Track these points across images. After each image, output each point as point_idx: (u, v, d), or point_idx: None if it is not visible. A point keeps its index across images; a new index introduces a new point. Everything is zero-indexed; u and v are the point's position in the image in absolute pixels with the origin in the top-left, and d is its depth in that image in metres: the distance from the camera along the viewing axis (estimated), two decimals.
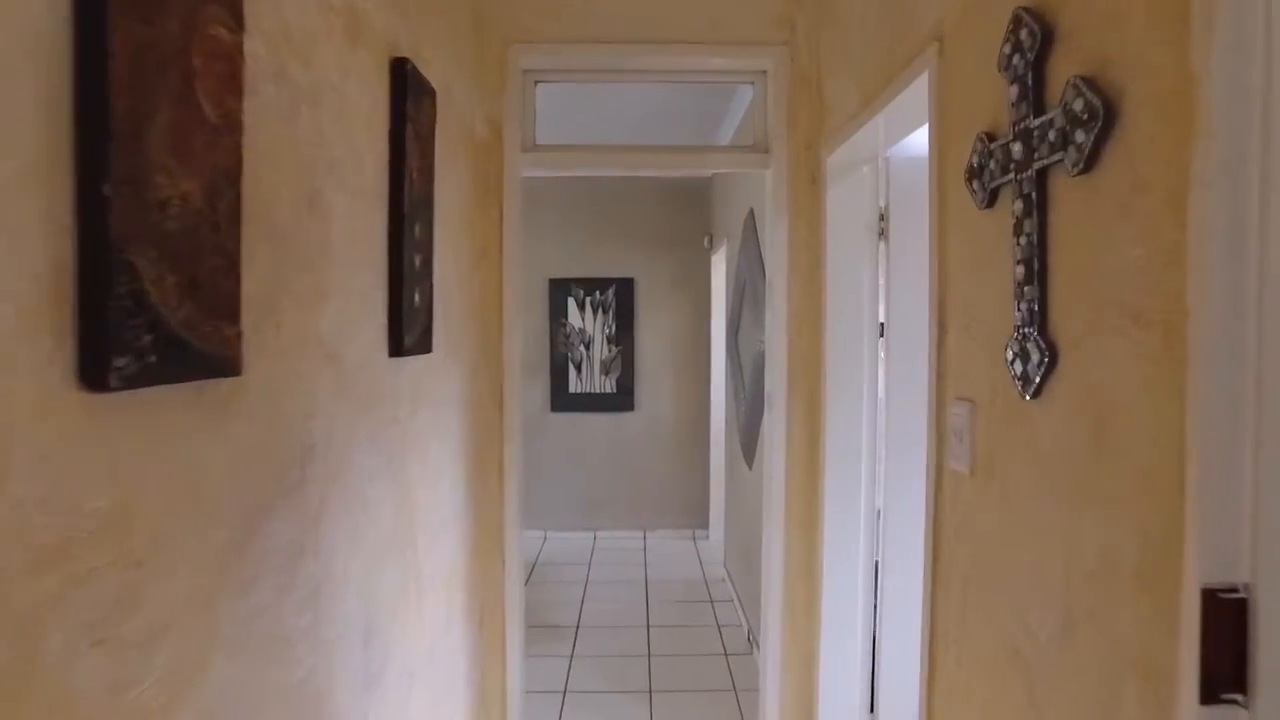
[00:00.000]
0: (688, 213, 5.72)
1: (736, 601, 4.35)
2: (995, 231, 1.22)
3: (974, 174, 1.29)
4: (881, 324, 2.43)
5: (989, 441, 1.26)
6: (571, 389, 5.81)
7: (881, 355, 2.45)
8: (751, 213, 3.83)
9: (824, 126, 2.47)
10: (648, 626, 4.13)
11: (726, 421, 5.03)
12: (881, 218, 2.38)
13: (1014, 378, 1.13)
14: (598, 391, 5.82)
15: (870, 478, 2.42)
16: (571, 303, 5.79)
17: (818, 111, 2.50)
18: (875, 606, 2.33)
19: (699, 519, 5.80)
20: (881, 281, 2.43)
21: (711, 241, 5.58)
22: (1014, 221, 1.13)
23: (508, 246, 2.56)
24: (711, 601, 4.52)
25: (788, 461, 2.57)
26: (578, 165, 3.30)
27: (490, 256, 2.49)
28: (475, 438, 2.35)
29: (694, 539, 5.77)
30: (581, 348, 5.81)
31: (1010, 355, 1.14)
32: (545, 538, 5.69)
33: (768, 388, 2.64)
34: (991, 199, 1.24)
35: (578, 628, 4.09)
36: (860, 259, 2.40)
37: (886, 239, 2.36)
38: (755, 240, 3.69)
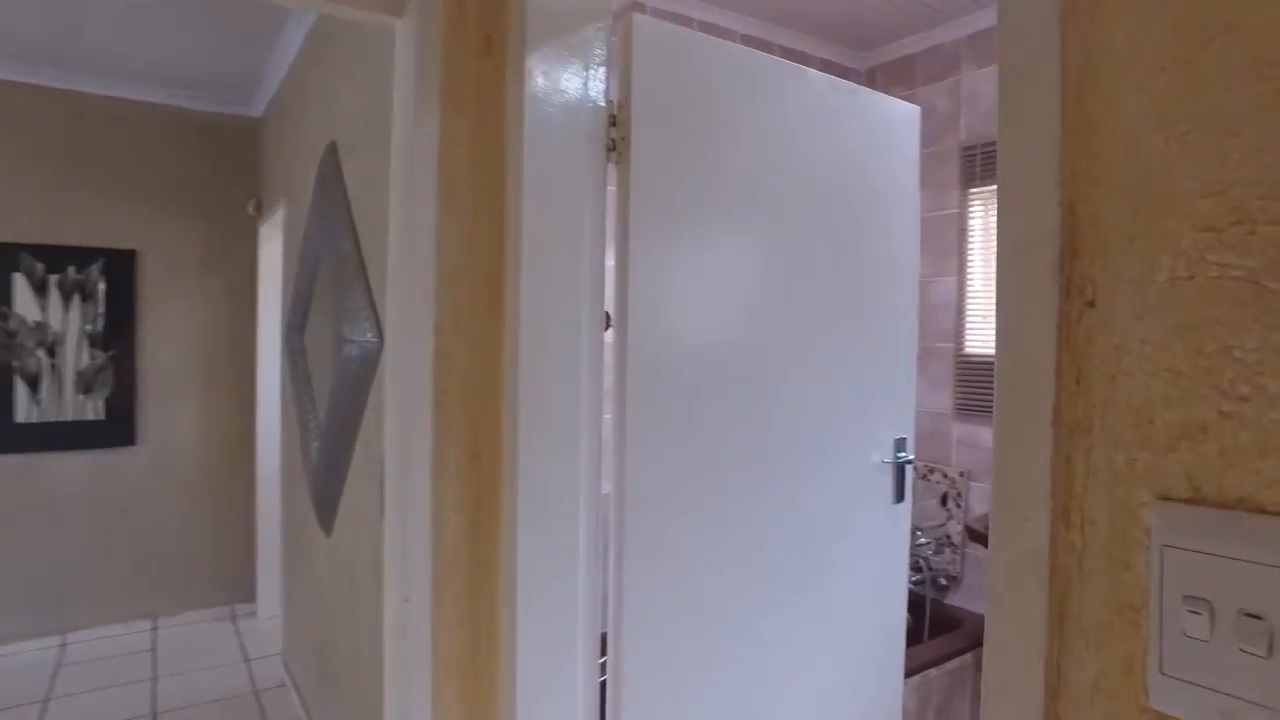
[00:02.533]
0: (223, 165, 4.06)
1: None
2: None
3: None
4: (608, 313, 1.45)
5: None
6: (20, 417, 3.71)
7: (610, 361, 1.47)
8: (334, 149, 2.55)
9: None
10: None
11: (285, 459, 3.55)
12: (614, 121, 1.40)
13: None
14: (71, 419, 3.81)
15: (592, 550, 1.42)
16: (21, 282, 3.70)
17: None
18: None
19: (241, 590, 4.17)
20: (613, 233, 1.45)
21: (260, 206, 4.03)
22: None
23: None
24: None
25: (437, 530, 1.43)
26: None
27: None
28: None
29: (234, 619, 4.12)
30: (41, 353, 3.75)
31: None
32: None
33: (391, 424, 1.45)
34: None
35: None
36: (576, 194, 1.39)
37: (624, 159, 1.39)
38: (340, 189, 2.43)
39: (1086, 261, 0.55)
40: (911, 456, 1.93)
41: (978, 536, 2.52)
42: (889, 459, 1.90)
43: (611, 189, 1.43)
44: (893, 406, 1.92)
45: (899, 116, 1.87)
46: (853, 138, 1.77)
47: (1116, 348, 0.53)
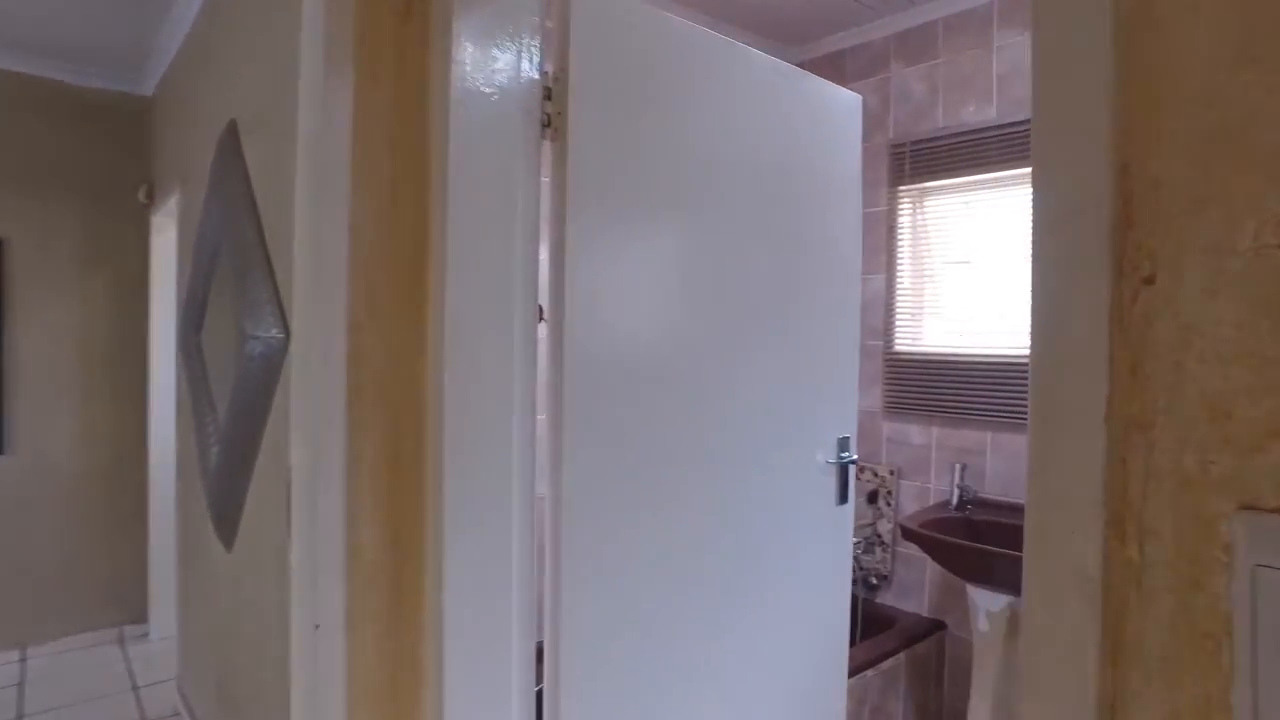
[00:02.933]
0: (109, 148, 3.72)
1: None
2: None
3: None
4: (541, 306, 1.34)
5: None
6: None
7: (544, 358, 1.35)
8: (234, 128, 2.33)
9: None
10: None
11: (181, 467, 3.27)
12: (549, 95, 1.28)
13: None
14: None
15: (526, 559, 1.30)
16: None
17: None
18: None
19: (130, 610, 3.83)
20: (547, 218, 1.33)
21: (152, 193, 3.71)
22: None
23: None
24: None
25: (352, 544, 1.27)
26: None
27: None
28: None
29: (123, 642, 3.78)
30: None
31: None
32: None
33: (299, 428, 1.28)
34: None
35: None
36: (508, 174, 1.26)
37: (560, 137, 1.27)
38: (241, 170, 2.22)
39: (1143, 231, 0.47)
40: (855, 456, 1.88)
41: (911, 535, 2.51)
42: (833, 459, 1.84)
43: (545, 180, 1.31)
44: (837, 405, 1.86)
45: (842, 104, 1.81)
46: (797, 125, 1.70)
47: (1183, 330, 0.45)
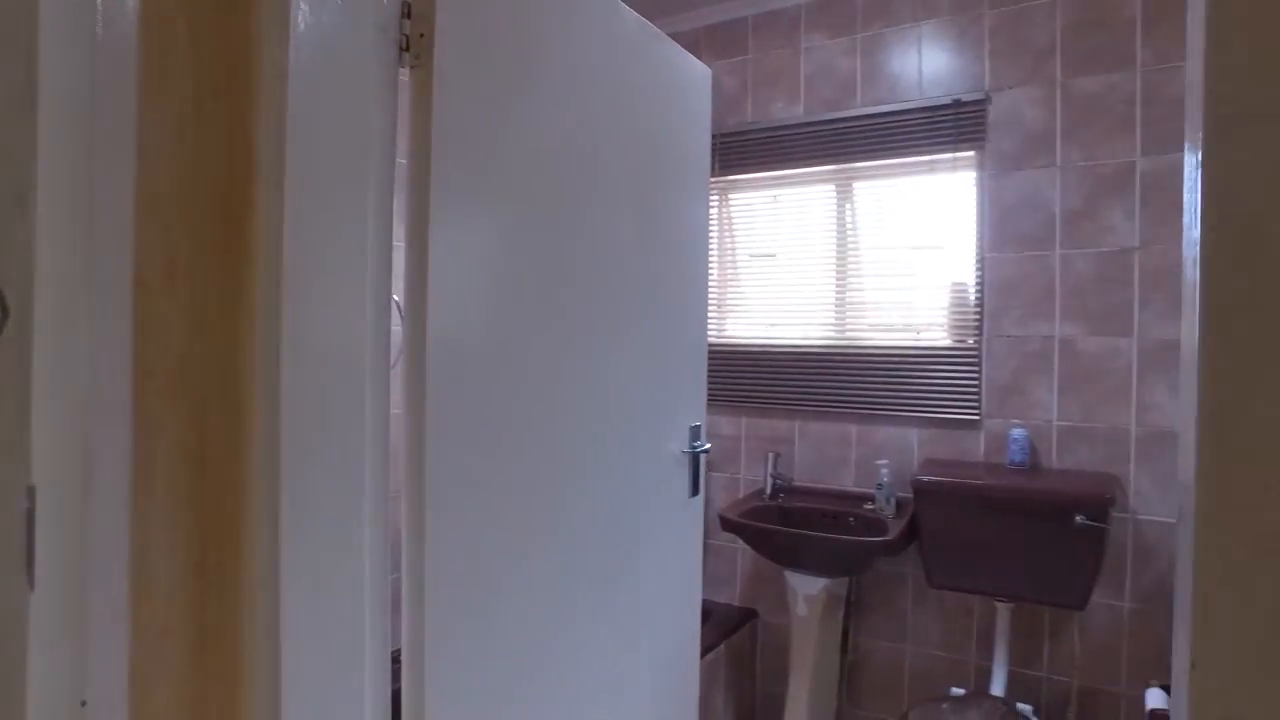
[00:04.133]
0: None
1: None
2: None
3: None
4: (397, 301, 1.11)
5: None
6: None
7: (400, 364, 1.12)
8: None
9: None
10: None
11: None
12: (408, 13, 1.06)
13: None
14: None
15: (381, 575, 1.06)
16: None
17: None
18: None
19: None
20: (407, 170, 1.11)
21: None
22: None
23: None
24: None
25: (138, 581, 0.95)
26: None
27: None
28: None
29: None
30: None
31: None
32: None
33: (49, 433, 0.93)
34: None
35: None
36: (358, 104, 1.02)
37: (423, 63, 1.06)
38: None
39: None
40: (708, 445, 1.81)
41: (732, 525, 2.51)
42: (686, 448, 1.75)
43: (403, 150, 1.07)
44: (689, 390, 1.78)
45: (696, 76, 1.73)
46: (662, 95, 1.59)
47: None
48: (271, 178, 0.94)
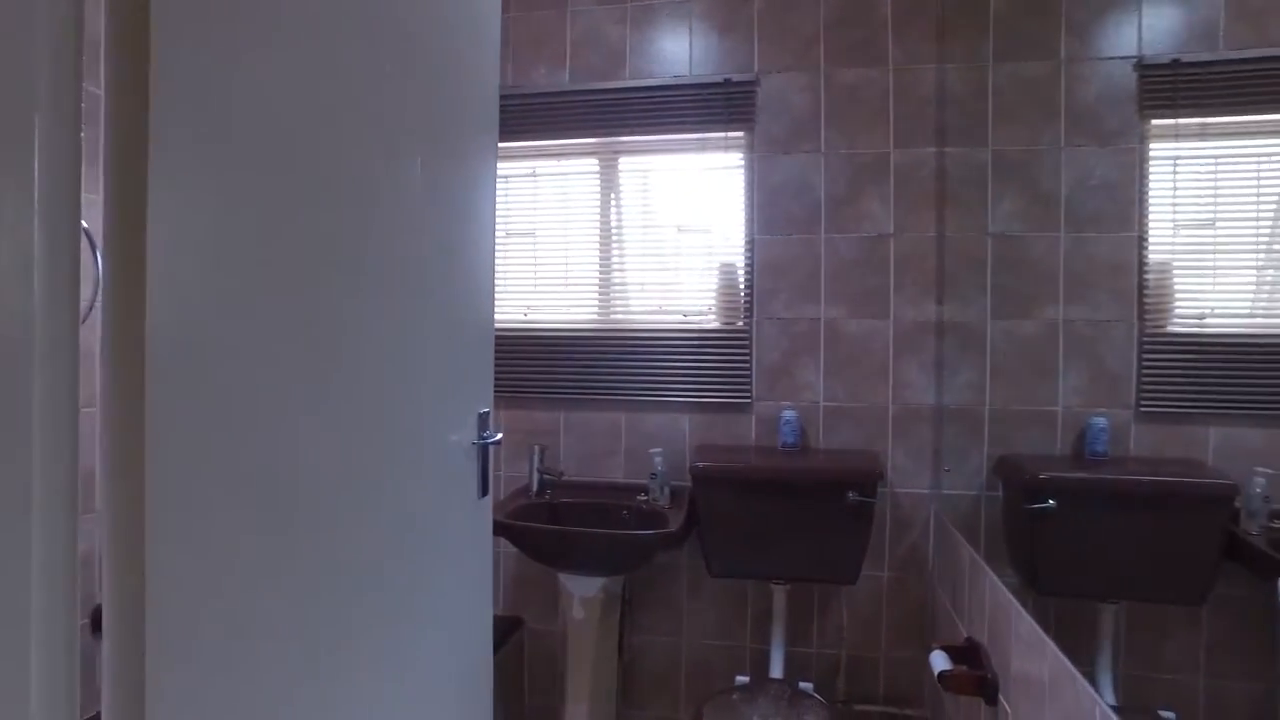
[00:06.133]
0: None
1: None
2: None
3: None
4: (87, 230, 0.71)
5: None
6: None
7: (97, 326, 0.72)
8: None
9: None
10: None
11: None
12: None
13: None
14: None
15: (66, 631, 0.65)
16: None
17: None
18: None
19: None
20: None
21: None
22: None
23: None
24: None
25: None
26: None
27: None
28: None
29: None
30: None
31: None
32: None
33: None
34: None
35: None
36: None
37: None
38: None
39: None
40: (499, 435, 1.53)
41: (500, 529, 2.23)
42: (475, 439, 1.46)
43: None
44: (477, 371, 1.49)
45: (485, 9, 1.44)
46: (445, 26, 1.28)
47: None
48: None
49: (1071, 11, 1.96)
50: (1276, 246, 1.45)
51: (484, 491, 1.51)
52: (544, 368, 2.61)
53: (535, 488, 2.50)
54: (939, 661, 1.69)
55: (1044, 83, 1.99)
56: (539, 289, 2.65)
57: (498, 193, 2.49)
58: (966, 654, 1.68)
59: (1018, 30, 2.10)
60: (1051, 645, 1.29)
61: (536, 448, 2.53)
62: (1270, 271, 1.47)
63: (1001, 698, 1.52)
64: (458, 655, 1.43)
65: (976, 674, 1.59)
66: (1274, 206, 1.45)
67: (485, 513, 1.54)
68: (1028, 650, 1.39)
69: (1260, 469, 1.41)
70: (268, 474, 0.91)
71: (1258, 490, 1.39)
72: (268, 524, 0.91)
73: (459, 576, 1.43)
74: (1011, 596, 1.52)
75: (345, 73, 1.05)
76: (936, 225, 2.32)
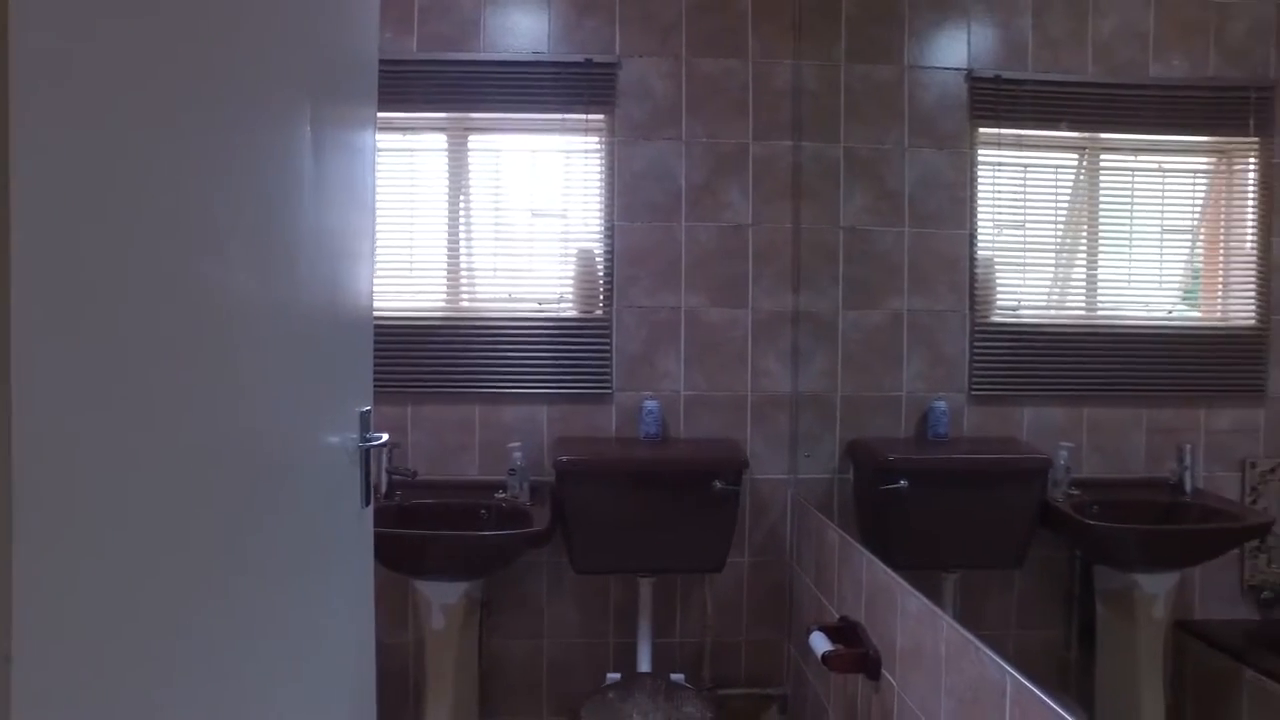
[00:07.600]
0: None
1: None
2: None
3: None
4: None
5: None
6: None
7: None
8: None
9: None
10: None
11: None
12: None
13: None
14: None
15: None
16: None
17: None
18: None
19: None
20: None
21: None
22: None
23: None
24: None
25: None
26: None
27: None
28: None
29: None
30: None
31: None
32: None
33: None
34: None
35: None
36: None
37: None
38: None
39: None
40: (384, 437, 1.37)
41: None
42: (357, 441, 1.30)
43: None
44: (356, 366, 1.32)
45: None
46: None
47: None
48: None
49: (913, 21, 2.08)
50: (1066, 246, 1.67)
51: (366, 501, 1.34)
52: (388, 359, 2.40)
53: (384, 488, 2.30)
54: (820, 643, 1.74)
55: (890, 86, 2.10)
56: (381, 274, 2.43)
57: None
58: (844, 633, 1.74)
59: (867, 33, 2.20)
60: (946, 618, 1.35)
61: (386, 447, 2.32)
62: (1063, 269, 1.67)
63: (885, 673, 1.59)
64: (338, 686, 1.27)
65: (858, 652, 1.65)
66: (1067, 212, 1.67)
67: (367, 527, 1.37)
68: (917, 625, 1.45)
69: (1064, 443, 1.57)
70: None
71: (1062, 462, 1.57)
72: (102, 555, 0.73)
73: (342, 600, 1.26)
74: (895, 575, 1.59)
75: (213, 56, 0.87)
76: (793, 217, 2.39)
